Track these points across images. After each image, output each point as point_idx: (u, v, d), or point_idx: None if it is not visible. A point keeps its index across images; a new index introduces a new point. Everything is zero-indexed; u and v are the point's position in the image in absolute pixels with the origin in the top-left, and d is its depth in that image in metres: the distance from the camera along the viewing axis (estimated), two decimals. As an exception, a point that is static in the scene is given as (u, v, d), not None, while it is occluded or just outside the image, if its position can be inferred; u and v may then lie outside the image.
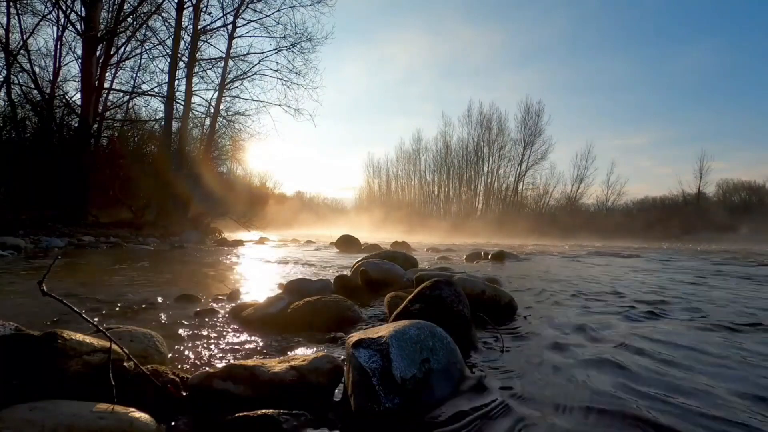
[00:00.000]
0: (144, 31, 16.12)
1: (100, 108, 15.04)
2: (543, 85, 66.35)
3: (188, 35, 16.41)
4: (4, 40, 13.62)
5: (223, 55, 17.41)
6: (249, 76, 18.13)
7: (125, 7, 14.83)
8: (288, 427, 1.03)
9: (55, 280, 3.66)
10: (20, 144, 13.62)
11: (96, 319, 2.10)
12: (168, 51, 16.33)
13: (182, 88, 16.39)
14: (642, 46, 65.90)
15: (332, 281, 3.16)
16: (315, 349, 1.80)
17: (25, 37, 13.94)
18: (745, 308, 2.84)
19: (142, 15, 15.16)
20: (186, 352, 1.70)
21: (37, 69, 14.51)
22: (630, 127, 62.29)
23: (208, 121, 18.32)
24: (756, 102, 55.88)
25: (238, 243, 12.84)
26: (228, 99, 18.26)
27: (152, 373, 1.20)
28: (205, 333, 2.00)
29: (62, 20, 14.74)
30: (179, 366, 1.53)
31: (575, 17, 68.93)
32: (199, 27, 16.49)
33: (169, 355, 1.59)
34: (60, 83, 15.85)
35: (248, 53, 17.96)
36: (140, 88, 17.84)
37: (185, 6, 15.89)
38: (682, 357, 1.70)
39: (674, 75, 63.29)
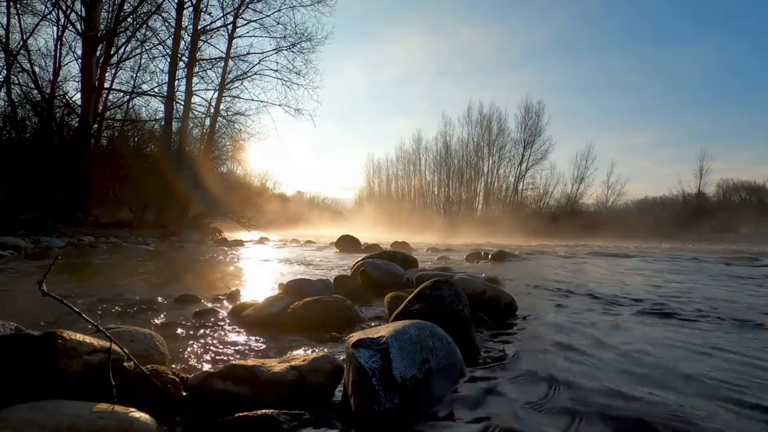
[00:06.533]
0: (144, 31, 16.15)
1: (100, 108, 15.04)
2: (543, 85, 66.14)
3: (188, 35, 16.44)
4: (4, 40, 13.60)
5: (223, 55, 17.45)
6: (249, 76, 18.17)
7: (125, 7, 14.86)
8: (288, 427, 1.03)
9: (55, 280, 3.66)
10: (20, 144, 13.60)
11: (96, 320, 2.10)
12: (168, 51, 16.36)
13: (182, 88, 16.45)
14: (642, 46, 65.85)
15: (332, 281, 3.15)
16: (315, 349, 1.79)
17: (25, 37, 13.93)
18: (748, 307, 2.83)
19: (142, 15, 15.19)
20: (186, 352, 1.70)
21: (37, 69, 14.48)
22: (630, 127, 62.17)
23: (208, 121, 18.36)
24: (756, 102, 55.79)
25: (238, 243, 12.82)
26: (228, 99, 18.31)
27: (152, 373, 1.20)
28: (205, 333, 2.00)
29: (62, 20, 14.75)
30: (179, 366, 1.53)
31: (575, 17, 68.93)
32: (199, 27, 16.52)
33: (169, 355, 1.59)
34: (60, 83, 15.85)
35: (248, 53, 18.01)
36: (140, 88, 17.84)
37: (185, 6, 15.93)
38: (685, 358, 1.70)
39: (674, 75, 63.16)
